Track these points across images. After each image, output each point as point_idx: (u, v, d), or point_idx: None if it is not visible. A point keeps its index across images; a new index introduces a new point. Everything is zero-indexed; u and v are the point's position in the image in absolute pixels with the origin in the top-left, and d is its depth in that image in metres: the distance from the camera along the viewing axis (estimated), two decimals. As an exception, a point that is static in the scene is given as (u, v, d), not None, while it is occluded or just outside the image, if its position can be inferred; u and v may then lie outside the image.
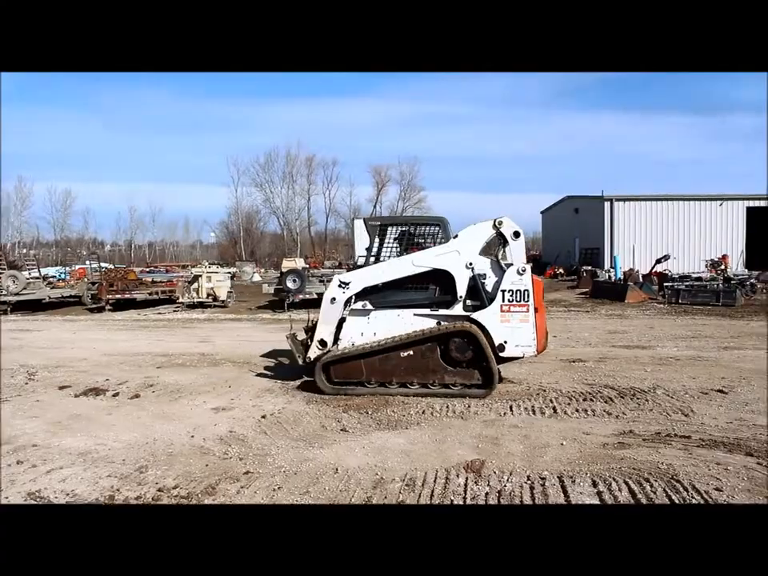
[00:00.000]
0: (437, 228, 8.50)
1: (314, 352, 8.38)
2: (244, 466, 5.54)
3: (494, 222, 7.99)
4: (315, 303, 21.42)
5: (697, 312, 17.97)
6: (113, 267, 36.07)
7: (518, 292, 7.82)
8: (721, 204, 36.25)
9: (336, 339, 8.33)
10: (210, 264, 28.13)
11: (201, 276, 22.71)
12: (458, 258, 7.99)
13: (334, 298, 8.31)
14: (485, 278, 7.99)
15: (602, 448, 5.81)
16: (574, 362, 10.06)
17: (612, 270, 30.99)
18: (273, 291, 22.16)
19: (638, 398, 7.60)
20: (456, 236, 8.16)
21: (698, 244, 35.59)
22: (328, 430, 6.62)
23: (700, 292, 20.80)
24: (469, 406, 7.32)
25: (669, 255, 26.75)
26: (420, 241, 8.61)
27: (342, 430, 6.59)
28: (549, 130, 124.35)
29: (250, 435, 6.45)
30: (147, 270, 48.16)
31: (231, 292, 23.78)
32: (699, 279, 24.68)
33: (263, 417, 7.08)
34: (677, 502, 4.52)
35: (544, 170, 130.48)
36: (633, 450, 5.74)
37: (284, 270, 23.91)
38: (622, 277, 27.24)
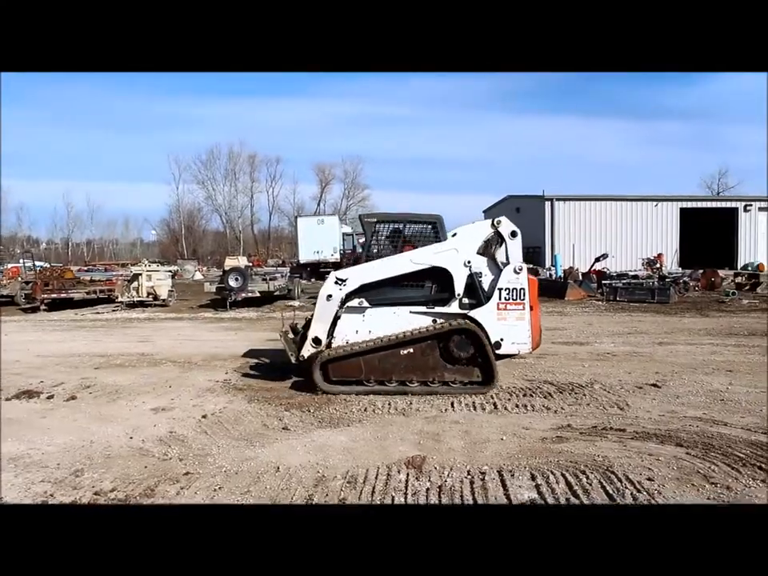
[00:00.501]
0: (431, 226, 8.42)
1: (307, 350, 8.14)
2: (184, 466, 5.46)
3: (493, 221, 8.14)
4: (258, 302, 21.35)
5: (633, 309, 18.47)
6: (48, 266, 35.03)
7: (515, 290, 7.94)
8: (656, 205, 37.39)
9: (329, 337, 8.13)
10: (150, 262, 27.58)
11: (141, 274, 22.22)
12: (457, 255, 8.04)
13: (330, 295, 8.10)
14: (481, 277, 8.04)
15: (541, 442, 5.93)
16: (514, 357, 10.21)
17: (553, 268, 31.61)
18: (215, 290, 21.84)
19: (576, 393, 7.77)
20: (455, 234, 8.23)
21: (635, 243, 36.65)
22: (270, 428, 6.57)
23: (636, 289, 21.40)
24: (411, 403, 7.37)
25: (607, 254, 27.40)
26: (412, 239, 8.50)
27: (283, 428, 6.55)
28: (489, 132, 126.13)
29: (191, 435, 6.36)
30: (85, 268, 46.88)
31: (172, 291, 23.34)
32: (636, 277, 25.41)
33: (204, 417, 6.99)
34: (611, 492, 4.65)
35: (485, 170, 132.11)
36: (570, 443, 5.87)
37: (226, 268, 23.59)
38: (562, 275, 27.81)
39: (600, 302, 20.52)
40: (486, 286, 8.03)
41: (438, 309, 8.06)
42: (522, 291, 7.92)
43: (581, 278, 25.39)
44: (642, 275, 26.69)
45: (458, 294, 8.01)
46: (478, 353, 7.87)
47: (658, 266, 29.57)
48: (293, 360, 8.31)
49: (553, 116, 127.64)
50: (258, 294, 21.12)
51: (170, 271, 27.46)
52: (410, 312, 8.05)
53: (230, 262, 27.84)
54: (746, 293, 22.51)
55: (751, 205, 37.91)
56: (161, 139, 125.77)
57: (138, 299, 21.89)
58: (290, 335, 8.83)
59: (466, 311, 7.96)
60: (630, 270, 29.49)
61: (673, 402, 7.35)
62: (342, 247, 36.23)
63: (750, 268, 32.78)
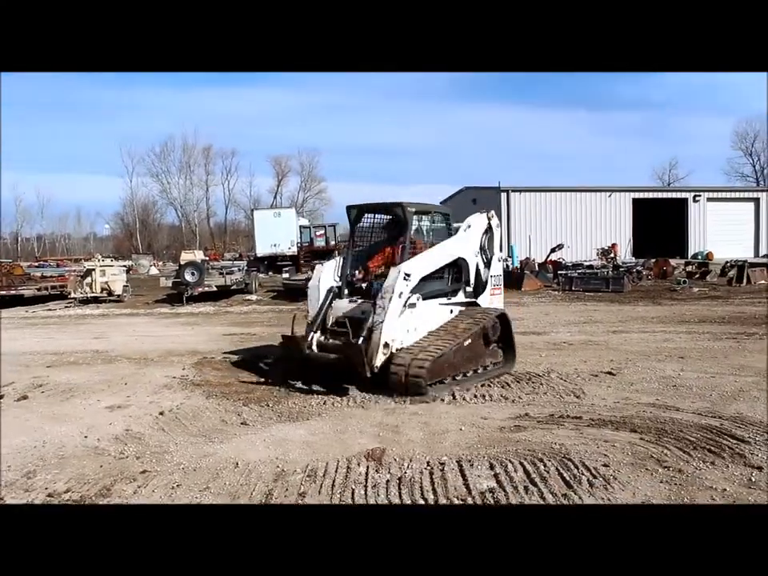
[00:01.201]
0: (446, 218, 9.14)
1: (379, 359, 7.40)
2: (141, 464, 5.37)
3: (487, 214, 9.12)
4: (215, 296, 21.12)
5: (589, 298, 18.79)
6: (-3, 262, 34.07)
7: (499, 277, 9.36)
8: (610, 195, 37.96)
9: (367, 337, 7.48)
10: (103, 257, 27.04)
11: (94, 270, 21.79)
12: (470, 246, 8.83)
13: (402, 293, 7.56)
14: (480, 267, 8.98)
15: (499, 431, 6.00)
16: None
17: (509, 258, 31.93)
18: (171, 284, 21.55)
19: (533, 382, 7.87)
20: (469, 226, 8.88)
21: (590, 233, 37.15)
22: (228, 424, 6.51)
23: (592, 279, 21.79)
24: (371, 396, 7.36)
25: (563, 244, 27.83)
26: (435, 231, 9.04)
27: (242, 423, 6.49)
28: (445, 122, 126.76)
29: (147, 433, 6.26)
30: (36, 264, 45.83)
31: (127, 286, 22.94)
32: (591, 267, 25.85)
33: (161, 413, 6.89)
34: (567, 479, 4.73)
35: (441, 161, 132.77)
36: (528, 432, 5.94)
37: (182, 262, 23.27)
38: (518, 265, 28.11)
39: (556, 292, 20.83)
40: (483, 275, 8.96)
41: (453, 299, 8.61)
42: (500, 277, 9.42)
43: (537, 268, 25.75)
44: (596, 265, 27.16)
45: (468, 280, 8.76)
46: (505, 334, 8.48)
47: (612, 255, 30.09)
48: (366, 374, 7.31)
49: (509, 106, 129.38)
50: (215, 289, 20.91)
51: (125, 266, 27.03)
52: (439, 304, 8.37)
53: (185, 257, 27.47)
54: (697, 281, 23.07)
55: (700, 195, 38.77)
56: (112, 129, 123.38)
57: (92, 295, 21.48)
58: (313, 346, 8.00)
59: (471, 299, 8.77)
60: (585, 260, 29.95)
61: (627, 389, 7.50)
62: (299, 240, 36.02)
63: (699, 257, 33.61)
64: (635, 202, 38.22)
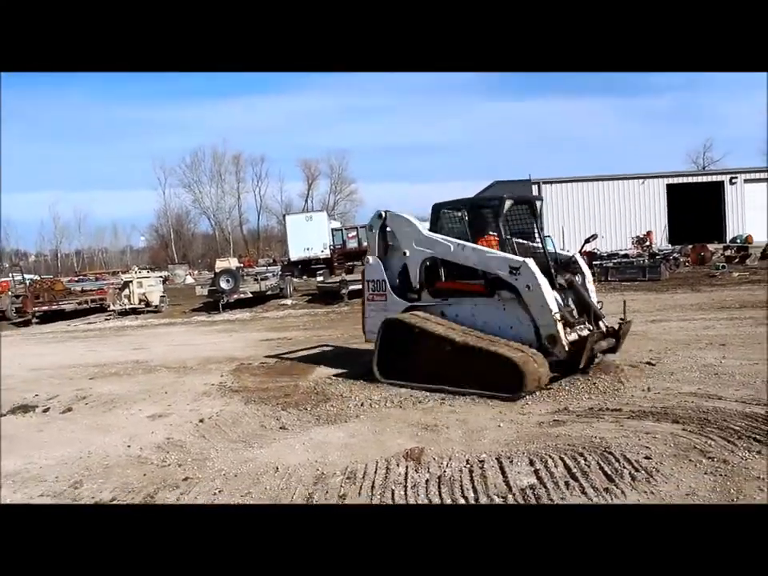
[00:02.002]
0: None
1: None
2: (183, 472, 5.45)
3: None
4: (251, 302, 21.31)
5: (625, 288, 18.54)
6: (38, 278, 34.82)
7: None
8: (643, 182, 37.38)
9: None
10: (140, 269, 27.51)
11: (132, 282, 22.19)
12: None
13: None
14: None
15: (538, 426, 5.95)
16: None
17: (543, 251, 31.58)
18: (207, 293, 21.81)
19: (571, 375, 7.77)
20: None
21: (624, 222, 36.65)
22: (267, 429, 6.57)
23: (628, 268, 21.49)
24: (410, 395, 7.35)
25: (596, 234, 27.18)
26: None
27: (281, 428, 6.54)
28: (473, 117, 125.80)
29: (189, 440, 6.35)
30: (76, 278, 46.69)
31: (164, 296, 23.30)
32: (626, 256, 25.51)
33: (201, 421, 6.98)
34: (609, 473, 4.67)
35: (472, 156, 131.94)
36: (567, 426, 5.89)
37: (217, 270, 23.56)
38: (554, 257, 27.79)
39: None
40: None
41: None
42: None
43: (572, 260, 25.39)
44: (632, 254, 26.78)
45: None
46: None
47: (647, 243, 29.67)
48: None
49: (535, 98, 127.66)
50: (251, 295, 21.11)
51: (161, 277, 27.42)
52: None
53: (220, 264, 27.84)
54: (736, 265, 22.61)
55: (737, 177, 37.95)
56: (144, 145, 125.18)
57: (130, 307, 21.87)
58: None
59: None
60: (620, 250, 29.55)
61: (668, 378, 7.37)
62: (331, 243, 36.17)
63: (738, 240, 32.88)
64: (669, 187, 37.56)
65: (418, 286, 8.04)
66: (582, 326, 7.70)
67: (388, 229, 8.66)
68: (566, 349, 7.19)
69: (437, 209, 8.58)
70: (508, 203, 8.00)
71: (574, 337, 7.41)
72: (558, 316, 7.23)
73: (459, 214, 8.47)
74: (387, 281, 8.48)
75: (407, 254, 8.13)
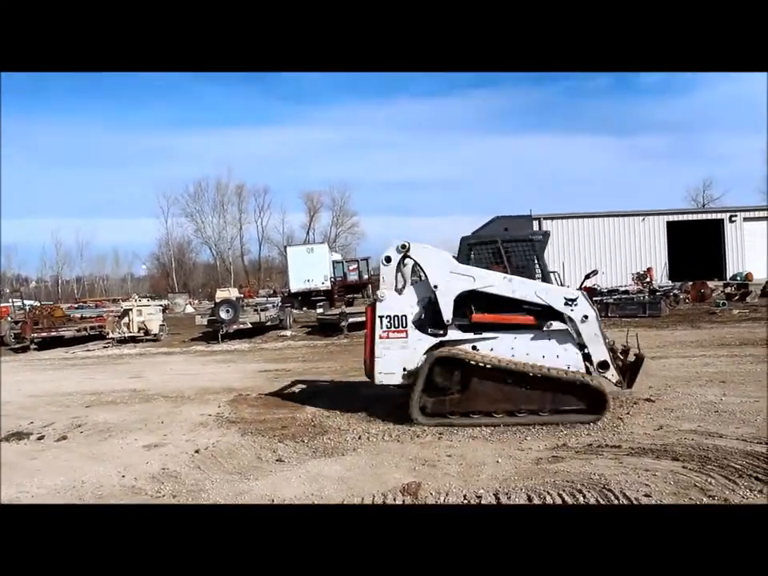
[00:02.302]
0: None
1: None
2: (177, 503, 5.38)
3: None
4: (250, 333, 21.26)
5: (625, 324, 18.45)
6: (38, 304, 34.84)
7: None
8: (643, 219, 37.59)
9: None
10: (140, 297, 27.51)
11: (131, 310, 22.16)
12: None
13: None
14: None
15: (537, 463, 5.89)
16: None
17: (543, 286, 31.61)
18: (206, 322, 21.78)
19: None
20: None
21: (624, 258, 36.80)
22: (263, 461, 6.50)
23: (628, 304, 21.46)
24: (409, 429, 7.30)
25: (597, 270, 27.33)
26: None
27: (277, 460, 6.48)
28: (474, 153, 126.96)
29: (184, 471, 6.28)
30: (75, 305, 46.76)
31: (163, 325, 23.26)
32: (626, 292, 25.52)
33: (197, 451, 6.91)
34: (608, 511, 4.61)
35: (473, 191, 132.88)
36: (566, 462, 5.83)
37: (217, 300, 23.55)
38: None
39: (592, 319, 20.52)
40: None
41: None
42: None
43: (572, 295, 25.39)
44: (632, 290, 26.79)
45: None
46: None
47: (647, 280, 29.68)
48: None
49: (536, 135, 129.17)
50: (250, 325, 21.06)
51: (161, 305, 27.41)
52: None
53: (220, 294, 27.82)
54: (736, 302, 22.60)
55: (736, 215, 38.17)
56: (147, 173, 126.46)
57: (129, 335, 21.81)
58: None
59: None
60: (621, 286, 29.57)
61: (667, 415, 7.33)
62: (332, 275, 36.24)
63: (738, 278, 32.96)
64: (669, 224, 37.77)
65: (449, 321, 7.83)
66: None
67: (406, 261, 8.50)
68: (616, 373, 7.54)
69: (468, 243, 8.77)
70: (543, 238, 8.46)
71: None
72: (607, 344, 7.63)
73: (492, 247, 8.59)
74: (408, 316, 7.96)
75: (438, 286, 7.88)
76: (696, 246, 38.02)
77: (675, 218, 38.64)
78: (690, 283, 26.37)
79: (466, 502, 4.99)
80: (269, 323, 21.84)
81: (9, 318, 24.92)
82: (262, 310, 22.13)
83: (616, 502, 4.75)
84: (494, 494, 5.09)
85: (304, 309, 32.38)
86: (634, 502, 4.72)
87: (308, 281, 35.42)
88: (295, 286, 35.92)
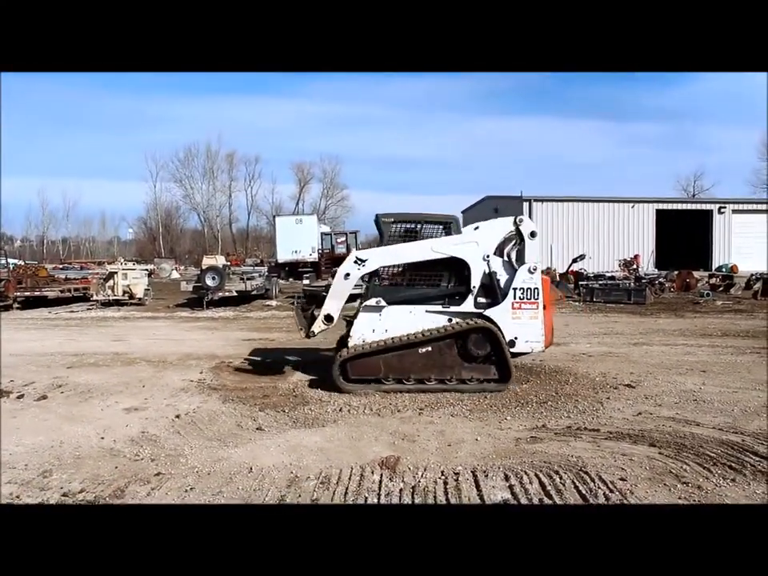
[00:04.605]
0: (444, 227, 8.43)
1: (318, 327, 8.30)
2: (156, 467, 5.38)
3: (515, 219, 8.23)
4: (235, 301, 21.20)
5: (610, 310, 18.61)
6: (23, 263, 34.53)
7: (529, 290, 8.04)
8: (633, 206, 37.70)
9: (347, 336, 8.24)
10: (126, 261, 27.32)
11: (116, 273, 21.99)
12: (476, 249, 8.13)
13: (348, 274, 8.15)
14: (497, 276, 8.12)
15: (515, 443, 5.94)
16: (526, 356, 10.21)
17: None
18: (192, 289, 21.67)
19: (551, 394, 7.79)
20: (477, 227, 8.29)
21: (612, 244, 36.94)
22: (243, 428, 6.51)
23: (613, 290, 21.55)
24: (389, 404, 7.34)
25: (584, 255, 27.43)
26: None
27: (257, 428, 6.49)
28: (467, 133, 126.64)
29: (163, 435, 6.28)
30: (60, 266, 46.38)
31: (148, 290, 23.11)
32: (613, 278, 25.60)
33: (177, 416, 6.91)
34: (584, 492, 4.66)
35: (464, 171, 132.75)
36: (544, 443, 5.88)
37: (204, 267, 23.42)
38: (539, 275, 27.88)
39: (577, 303, 20.65)
40: (501, 286, 8.13)
41: (453, 308, 8.14)
42: (536, 291, 8.03)
43: (558, 278, 25.53)
44: (618, 276, 26.90)
45: (474, 287, 8.10)
46: (494, 351, 7.95)
47: (634, 267, 29.85)
48: (302, 335, 8.56)
49: (530, 117, 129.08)
50: (236, 294, 21.00)
51: (147, 270, 27.20)
52: (426, 311, 8.12)
53: (207, 261, 27.62)
54: (720, 294, 22.77)
55: (725, 207, 38.36)
56: (138, 137, 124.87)
57: (114, 298, 21.65)
58: (301, 311, 8.95)
59: (481, 310, 8.07)
60: (607, 271, 29.70)
61: (646, 402, 7.40)
62: (320, 247, 36.11)
63: (724, 269, 33.17)
64: (659, 213, 37.91)
65: None
66: None
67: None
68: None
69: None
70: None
71: None
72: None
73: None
74: None
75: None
76: (684, 235, 38.22)
77: (665, 206, 38.78)
78: (676, 272, 26.51)
79: (443, 478, 5.02)
80: (254, 292, 21.79)
81: (-8, 276, 24.68)
82: (248, 279, 22.06)
83: (592, 484, 4.80)
84: (471, 472, 5.13)
85: (290, 279, 32.34)
86: (610, 486, 4.78)
87: (295, 252, 35.33)
88: (282, 256, 35.81)
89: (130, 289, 21.86)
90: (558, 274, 27.01)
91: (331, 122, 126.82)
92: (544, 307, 8.07)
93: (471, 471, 5.16)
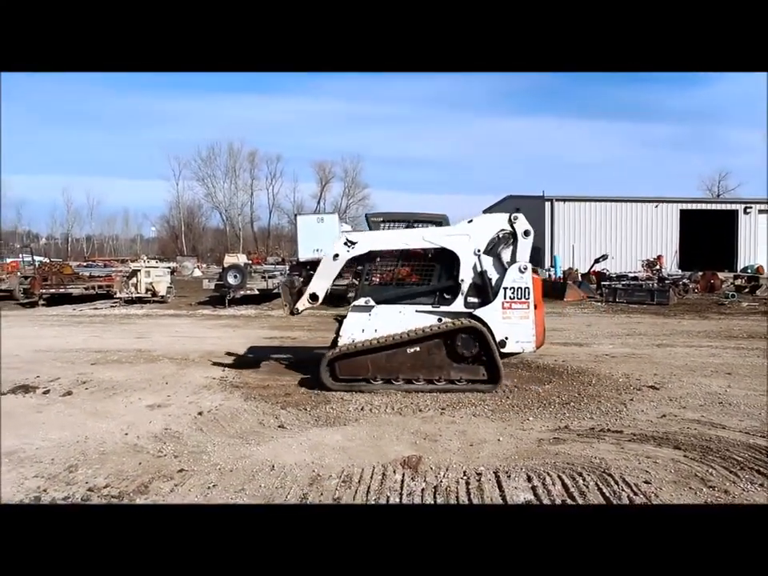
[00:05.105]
0: (436, 226, 8.45)
1: (302, 305, 8.39)
2: (179, 463, 5.42)
3: (510, 216, 8.08)
4: (257, 299, 21.32)
5: (632, 310, 18.45)
6: (48, 261, 34.94)
7: (519, 289, 7.91)
8: (656, 206, 37.35)
9: (336, 335, 8.28)
10: (149, 259, 27.58)
11: (139, 271, 22.23)
12: (468, 242, 8.02)
13: (337, 255, 8.16)
14: (488, 275, 8.03)
15: (538, 443, 5.89)
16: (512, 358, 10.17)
17: (552, 269, 31.57)
18: (214, 287, 21.85)
19: (573, 394, 7.73)
20: (470, 221, 8.18)
21: (635, 244, 36.62)
22: (265, 426, 6.53)
23: (636, 291, 21.39)
24: (411, 403, 7.33)
25: (607, 255, 27.35)
26: None
27: (279, 426, 6.51)
28: (490, 132, 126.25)
29: (186, 432, 6.32)
30: (84, 264, 46.91)
31: (171, 287, 23.33)
32: (635, 279, 25.42)
33: (200, 414, 6.95)
34: (607, 495, 4.61)
35: (486, 171, 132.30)
36: (567, 444, 5.83)
37: (226, 265, 23.60)
38: (561, 276, 27.76)
39: (599, 303, 20.50)
40: (492, 283, 8.02)
41: (443, 308, 8.07)
42: (526, 290, 7.90)
43: (580, 278, 25.41)
44: (641, 277, 26.68)
45: (462, 281, 8.01)
46: (483, 351, 7.87)
47: (657, 267, 29.56)
48: (285, 312, 8.82)
49: (554, 117, 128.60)
50: (257, 292, 21.13)
51: (169, 268, 27.44)
52: (416, 311, 8.07)
53: (229, 260, 27.89)
54: (746, 295, 22.50)
55: (751, 207, 37.88)
56: (160, 136, 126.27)
57: (137, 295, 21.90)
58: (287, 287, 9.10)
59: (471, 310, 7.97)
60: (630, 272, 29.45)
61: (671, 404, 7.31)
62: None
63: (749, 270, 32.75)
64: (683, 213, 37.50)
65: None
66: None
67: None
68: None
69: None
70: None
71: None
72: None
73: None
74: None
75: None
76: (708, 235, 37.78)
77: (689, 206, 38.35)
78: (700, 273, 26.23)
79: (465, 478, 5.00)
80: (276, 291, 21.88)
81: (18, 273, 25.04)
82: (269, 277, 22.18)
83: (616, 487, 4.76)
84: (493, 472, 5.10)
85: (312, 278, 32.34)
86: (634, 488, 4.72)
87: (317, 250, 35.20)
88: (304, 254, 35.67)
89: (152, 286, 22.08)
90: (580, 274, 26.85)
91: (353, 120, 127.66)
92: (535, 307, 7.98)
93: (493, 472, 5.13)
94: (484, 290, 7.99)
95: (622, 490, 4.70)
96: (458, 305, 8.03)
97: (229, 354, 10.92)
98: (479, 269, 8.00)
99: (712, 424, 6.45)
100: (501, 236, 8.17)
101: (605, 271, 27.23)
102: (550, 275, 30.01)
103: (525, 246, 8.05)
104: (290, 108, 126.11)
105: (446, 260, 8.14)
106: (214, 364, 9.95)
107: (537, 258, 35.55)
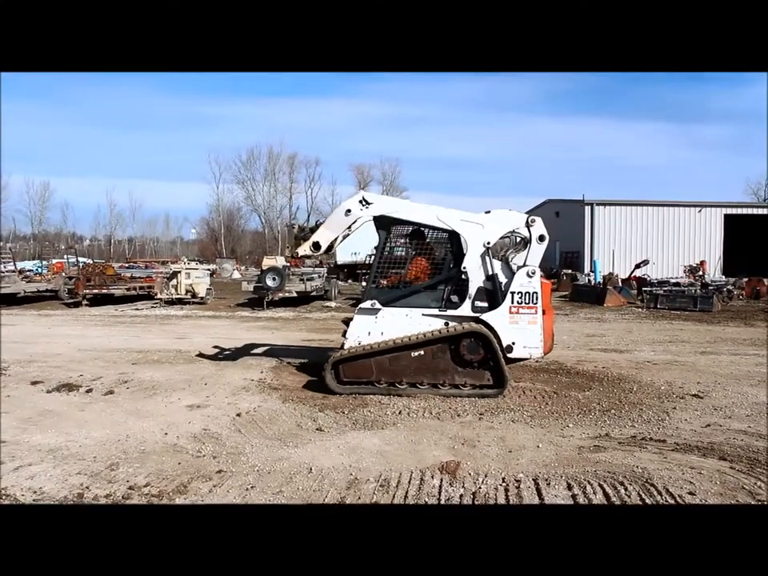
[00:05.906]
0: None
1: (304, 250, 8.43)
2: (217, 464, 5.46)
3: (528, 219, 8.00)
4: (295, 302, 21.45)
5: (674, 317, 18.09)
6: (91, 262, 35.65)
7: (527, 294, 7.82)
8: (700, 210, 36.59)
9: (343, 338, 8.27)
10: (189, 260, 27.94)
11: (180, 272, 22.53)
12: (480, 232, 7.92)
13: (349, 210, 8.14)
14: (498, 279, 7.94)
15: (578, 451, 5.80)
16: (551, 364, 10.06)
17: (592, 273, 31.14)
18: (252, 289, 22.02)
19: (614, 402, 7.60)
20: (488, 212, 8.10)
21: (677, 249, 35.92)
22: (303, 429, 6.55)
23: (678, 297, 20.96)
24: (449, 407, 7.28)
25: (648, 260, 26.99)
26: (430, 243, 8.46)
27: (317, 429, 6.52)
28: (529, 134, 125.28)
29: (225, 433, 6.37)
30: (126, 265, 47.77)
31: (210, 289, 23.59)
32: (677, 284, 24.91)
33: (238, 415, 7.00)
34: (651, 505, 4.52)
35: (525, 173, 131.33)
36: (608, 453, 5.73)
37: (264, 267, 23.79)
38: (601, 281, 27.38)
39: (640, 309, 20.16)
40: (500, 286, 7.94)
41: (450, 312, 8.01)
42: (534, 295, 7.81)
43: (620, 284, 25.01)
44: (683, 282, 26.15)
45: (464, 268, 7.93)
46: (488, 356, 7.79)
47: (700, 273, 28.92)
48: (286, 254, 8.90)
49: (593, 118, 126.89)
50: (295, 294, 21.23)
51: (209, 269, 27.82)
52: (423, 315, 8.03)
53: (267, 262, 28.06)
54: (793, 303, 21.90)
55: (799, 212, 36.89)
56: (201, 139, 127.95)
57: (177, 297, 22.19)
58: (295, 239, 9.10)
59: (478, 314, 7.90)
60: (672, 277, 28.92)
61: (716, 413, 7.14)
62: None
63: (796, 277, 31.90)
64: (727, 217, 36.68)
65: None
66: None
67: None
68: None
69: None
70: None
71: None
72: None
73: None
74: None
75: None
76: (754, 241, 36.88)
77: (733, 211, 37.51)
78: (745, 279, 25.63)
79: (504, 485, 4.94)
80: (314, 293, 22.01)
81: (63, 274, 25.60)
82: (307, 280, 22.29)
83: (659, 498, 4.65)
84: (533, 480, 5.04)
85: (349, 281, 32.49)
86: (678, 500, 4.61)
87: (354, 254, 35.43)
88: (342, 258, 35.97)
89: (192, 288, 22.36)
90: (620, 280, 26.45)
91: (390, 122, 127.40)
92: (544, 312, 7.87)
93: (533, 479, 5.06)
94: (492, 294, 7.91)
95: (666, 500, 4.60)
96: (465, 309, 7.96)
97: (267, 355, 10.98)
98: (488, 271, 7.93)
99: (760, 435, 6.28)
100: (514, 239, 8.17)
101: (646, 277, 26.78)
102: (589, 280, 29.61)
103: (537, 251, 7.97)
104: (327, 110, 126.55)
105: (454, 248, 8.09)
106: (253, 366, 10.02)
107: (576, 262, 35.19)
